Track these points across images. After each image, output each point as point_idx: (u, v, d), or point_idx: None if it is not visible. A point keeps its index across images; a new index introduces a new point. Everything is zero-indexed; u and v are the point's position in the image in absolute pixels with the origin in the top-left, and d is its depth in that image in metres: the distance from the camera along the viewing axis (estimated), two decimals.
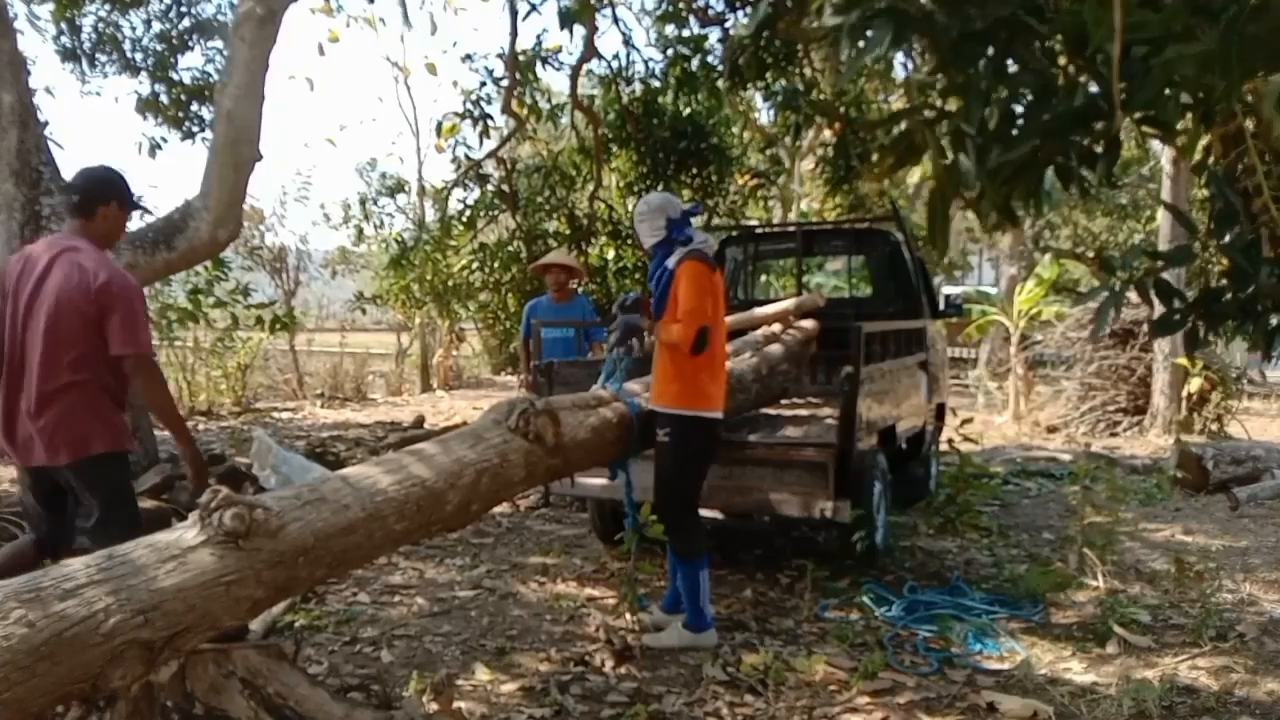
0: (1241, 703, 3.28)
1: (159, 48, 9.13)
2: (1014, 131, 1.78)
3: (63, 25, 8.96)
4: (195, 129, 9.21)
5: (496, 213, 10.36)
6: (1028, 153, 1.76)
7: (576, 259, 8.23)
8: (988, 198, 1.84)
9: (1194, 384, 10.00)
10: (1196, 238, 2.09)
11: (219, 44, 9.07)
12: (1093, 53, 1.62)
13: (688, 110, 9.34)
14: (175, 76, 9.18)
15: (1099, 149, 1.78)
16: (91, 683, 1.96)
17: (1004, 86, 1.76)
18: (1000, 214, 1.90)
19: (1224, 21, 1.45)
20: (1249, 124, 1.83)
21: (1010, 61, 1.76)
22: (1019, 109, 1.78)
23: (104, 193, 3.33)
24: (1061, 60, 1.76)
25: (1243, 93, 1.63)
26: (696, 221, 4.20)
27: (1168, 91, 1.62)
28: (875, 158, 1.98)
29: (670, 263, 3.82)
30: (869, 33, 1.70)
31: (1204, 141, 2.08)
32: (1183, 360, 9.78)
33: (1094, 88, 1.72)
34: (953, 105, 1.85)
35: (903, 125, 1.85)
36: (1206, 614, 4.12)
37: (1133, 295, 2.04)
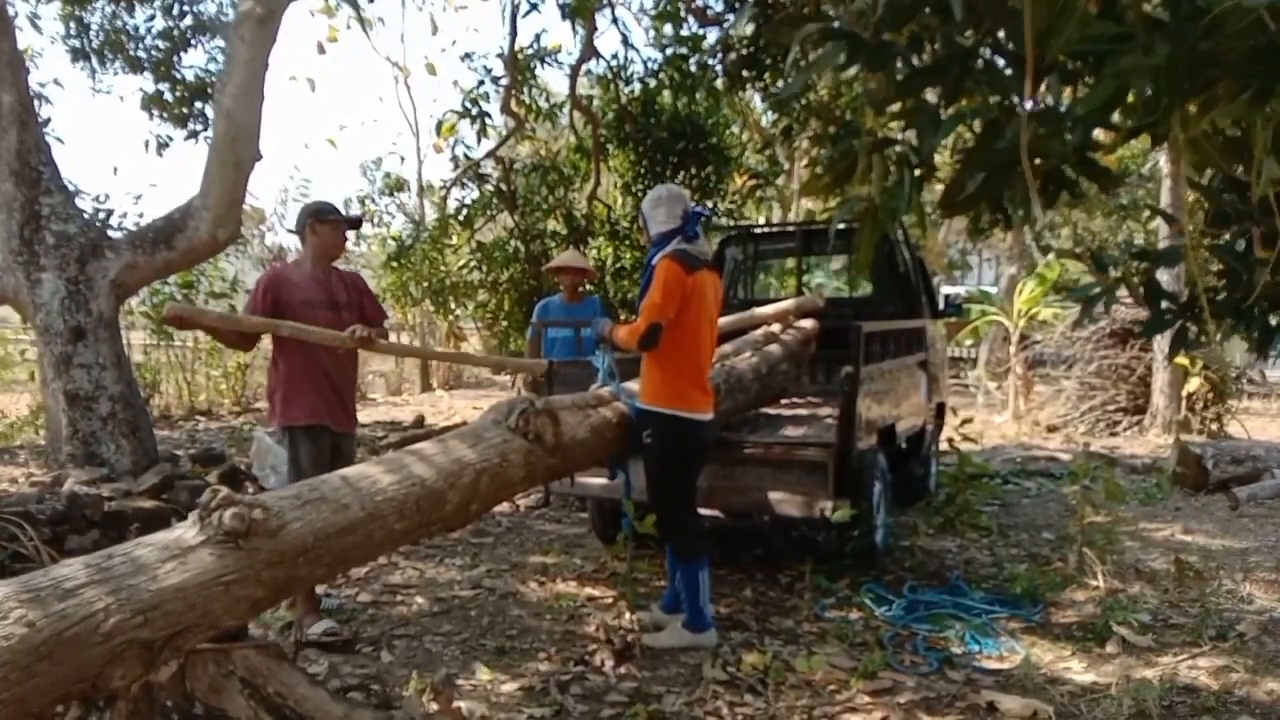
0: (1241, 703, 3.28)
1: (162, 46, 9.15)
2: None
3: (71, 24, 8.97)
4: (199, 128, 9.23)
5: (494, 212, 10.36)
6: (978, 183, 1.76)
7: (586, 259, 8.23)
8: (920, 225, 1.86)
9: (1194, 384, 10.00)
10: (1191, 239, 2.09)
11: (221, 43, 9.08)
12: (1049, 66, 1.61)
13: (686, 110, 9.34)
14: (178, 75, 9.20)
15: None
16: (91, 683, 1.96)
17: (953, 118, 1.76)
18: (971, 227, 1.91)
19: (1174, 34, 1.45)
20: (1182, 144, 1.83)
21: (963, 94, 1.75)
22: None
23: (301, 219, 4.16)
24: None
25: (1183, 109, 1.63)
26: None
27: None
28: (813, 174, 1.98)
29: (654, 260, 3.83)
30: (821, 50, 1.71)
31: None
32: (1182, 360, 9.78)
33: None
34: (900, 131, 1.86)
35: (849, 146, 1.85)
36: (1206, 614, 4.12)
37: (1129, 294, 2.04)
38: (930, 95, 1.79)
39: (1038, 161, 1.68)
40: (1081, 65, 1.62)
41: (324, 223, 4.10)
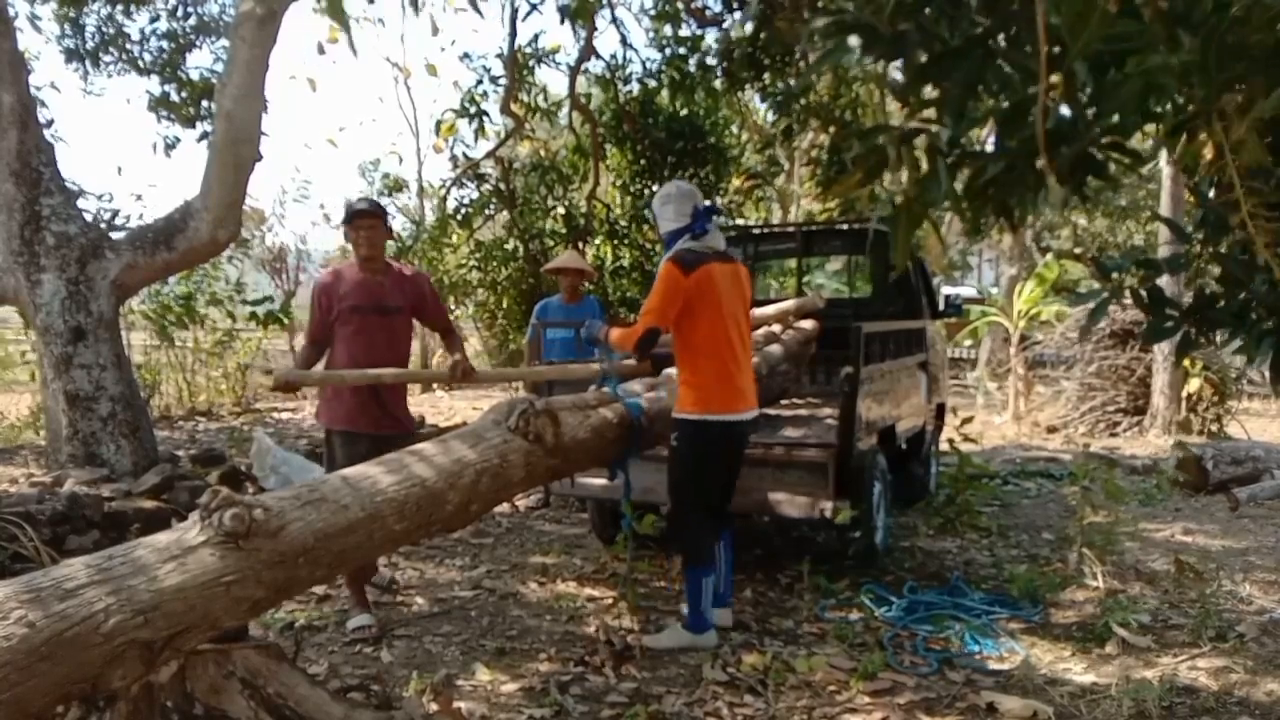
0: (1241, 703, 3.28)
1: (166, 47, 9.15)
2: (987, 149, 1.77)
3: (66, 25, 8.97)
4: (209, 129, 9.24)
5: (494, 212, 10.37)
6: (1000, 171, 1.75)
7: (587, 260, 8.25)
8: (958, 213, 1.83)
9: (1194, 384, 10.01)
10: (1190, 245, 2.09)
11: (226, 43, 9.08)
12: (1069, 65, 1.60)
13: (685, 110, 9.34)
14: (184, 75, 9.21)
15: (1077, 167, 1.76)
16: (91, 683, 1.96)
17: (978, 105, 1.74)
18: (971, 226, 1.90)
19: (1204, 31, 1.44)
20: (1222, 138, 1.82)
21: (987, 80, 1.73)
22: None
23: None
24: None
25: (1219, 105, 1.62)
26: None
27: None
28: (840, 172, 1.98)
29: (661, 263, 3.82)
30: (835, 42, 1.69)
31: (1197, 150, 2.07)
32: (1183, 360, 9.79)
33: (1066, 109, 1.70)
34: (927, 122, 1.84)
35: (876, 140, 1.83)
36: (1206, 614, 4.12)
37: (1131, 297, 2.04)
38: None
39: (1044, 159, 1.68)
40: (1107, 60, 1.61)
41: (349, 223, 4.04)
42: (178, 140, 9.45)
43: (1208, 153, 1.84)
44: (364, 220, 4.04)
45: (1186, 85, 1.52)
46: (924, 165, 1.79)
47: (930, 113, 1.80)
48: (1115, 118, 1.65)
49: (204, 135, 9.24)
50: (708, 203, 3.88)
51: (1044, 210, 1.83)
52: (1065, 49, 1.54)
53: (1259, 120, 1.64)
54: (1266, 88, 1.50)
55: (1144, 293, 2.01)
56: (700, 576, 3.81)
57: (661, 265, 3.74)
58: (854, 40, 1.67)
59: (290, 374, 3.91)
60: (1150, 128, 1.79)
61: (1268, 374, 1.88)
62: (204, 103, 9.15)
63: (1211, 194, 2.00)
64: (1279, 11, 1.37)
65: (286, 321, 11.49)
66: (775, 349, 5.07)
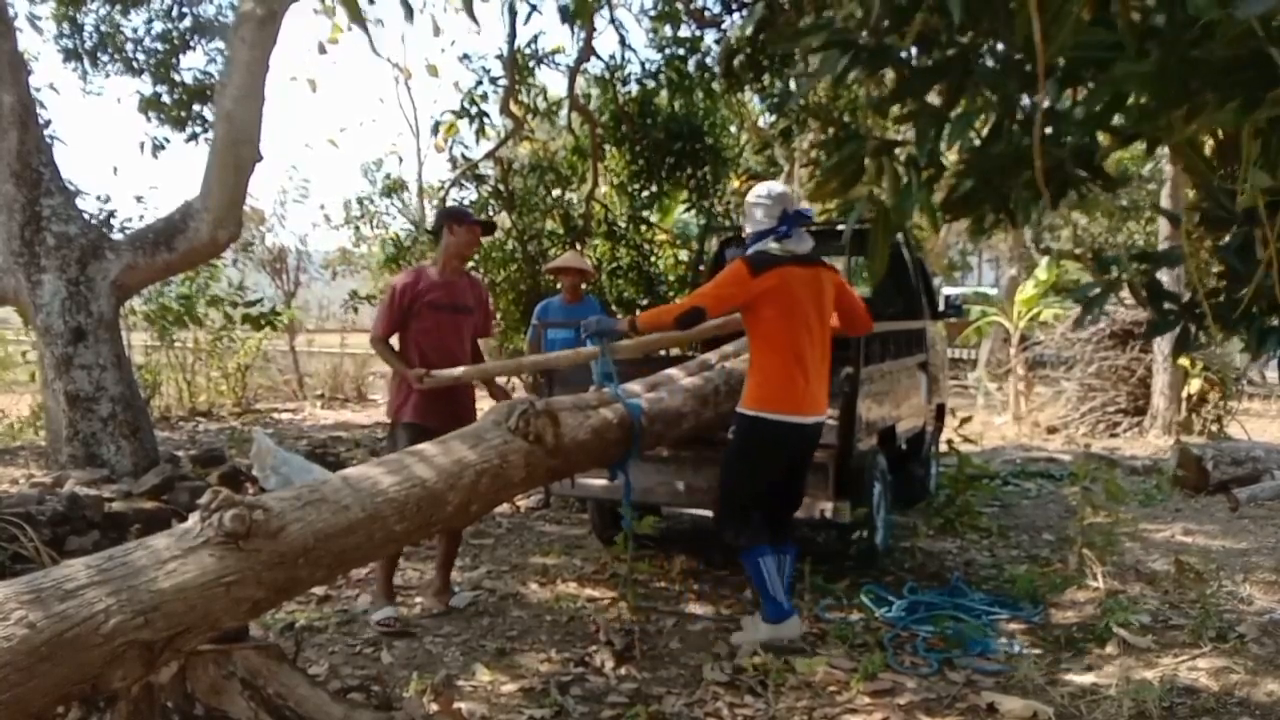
0: (1241, 703, 3.28)
1: (160, 48, 9.14)
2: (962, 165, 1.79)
3: (64, 25, 8.96)
4: (198, 130, 9.23)
5: (493, 213, 10.37)
6: (976, 184, 1.76)
7: (587, 260, 8.24)
8: (932, 224, 1.85)
9: (1194, 385, 10.00)
10: (1190, 240, 2.09)
11: (220, 45, 9.08)
12: (1047, 69, 1.61)
13: (683, 110, 9.34)
14: (177, 77, 9.19)
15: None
16: (91, 683, 1.96)
17: (961, 120, 1.76)
18: (974, 227, 1.91)
19: (1167, 42, 1.45)
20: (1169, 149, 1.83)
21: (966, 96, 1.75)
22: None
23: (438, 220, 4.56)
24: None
25: (1179, 117, 1.62)
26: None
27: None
28: (820, 179, 1.98)
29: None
30: (822, 56, 1.71)
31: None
32: (1183, 361, 9.78)
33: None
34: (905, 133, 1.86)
35: (853, 149, 1.84)
36: (1206, 614, 4.12)
37: (1130, 295, 2.05)
38: (932, 97, 1.79)
39: (1038, 164, 1.68)
40: (1081, 69, 1.62)
41: (461, 224, 4.32)
42: (166, 141, 9.44)
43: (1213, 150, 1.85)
44: (480, 230, 4.48)
45: (1149, 94, 1.53)
46: (902, 177, 1.81)
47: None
48: (1086, 127, 1.66)
49: (192, 137, 9.23)
50: (802, 208, 3.86)
51: (1035, 217, 1.84)
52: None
53: (1210, 133, 1.65)
54: (1224, 100, 1.50)
55: (1143, 287, 2.01)
56: (757, 558, 3.80)
57: (733, 260, 3.82)
58: (840, 55, 1.69)
59: (439, 375, 4.06)
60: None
61: (1274, 370, 1.89)
62: (195, 105, 9.14)
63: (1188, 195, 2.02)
64: (1245, 26, 1.37)
65: (284, 324, 11.47)
66: None
